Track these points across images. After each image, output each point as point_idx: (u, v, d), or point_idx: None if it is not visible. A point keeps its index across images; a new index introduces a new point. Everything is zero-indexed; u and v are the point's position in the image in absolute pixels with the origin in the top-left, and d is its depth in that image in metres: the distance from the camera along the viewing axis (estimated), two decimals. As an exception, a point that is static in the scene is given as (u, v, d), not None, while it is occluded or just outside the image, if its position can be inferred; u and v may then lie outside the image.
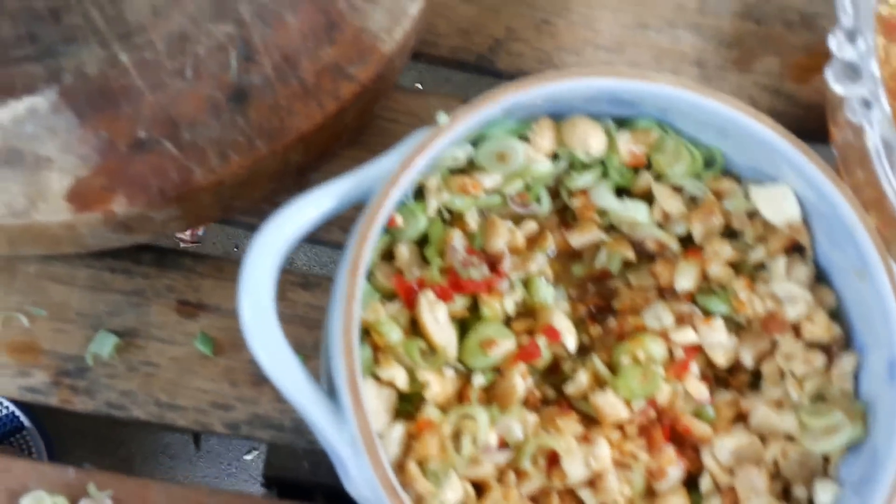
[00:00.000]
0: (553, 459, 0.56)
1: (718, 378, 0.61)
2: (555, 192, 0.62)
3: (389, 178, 0.53)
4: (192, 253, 0.70)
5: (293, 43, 0.62)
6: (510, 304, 0.58)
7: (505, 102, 0.56)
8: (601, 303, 0.63)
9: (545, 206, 0.61)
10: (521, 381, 0.56)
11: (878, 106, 0.59)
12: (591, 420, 0.58)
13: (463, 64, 0.77)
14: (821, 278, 0.61)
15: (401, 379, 0.54)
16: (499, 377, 0.57)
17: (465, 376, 0.57)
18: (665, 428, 0.58)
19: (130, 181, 0.59)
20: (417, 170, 0.54)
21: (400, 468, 0.53)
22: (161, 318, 0.68)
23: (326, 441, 0.52)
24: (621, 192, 0.62)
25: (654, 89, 0.58)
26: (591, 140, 0.60)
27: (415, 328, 0.56)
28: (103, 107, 0.60)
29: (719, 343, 0.59)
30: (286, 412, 0.67)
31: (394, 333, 0.54)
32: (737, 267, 0.61)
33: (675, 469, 0.57)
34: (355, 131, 0.68)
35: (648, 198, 0.62)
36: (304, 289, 0.69)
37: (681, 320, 0.60)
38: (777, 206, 0.60)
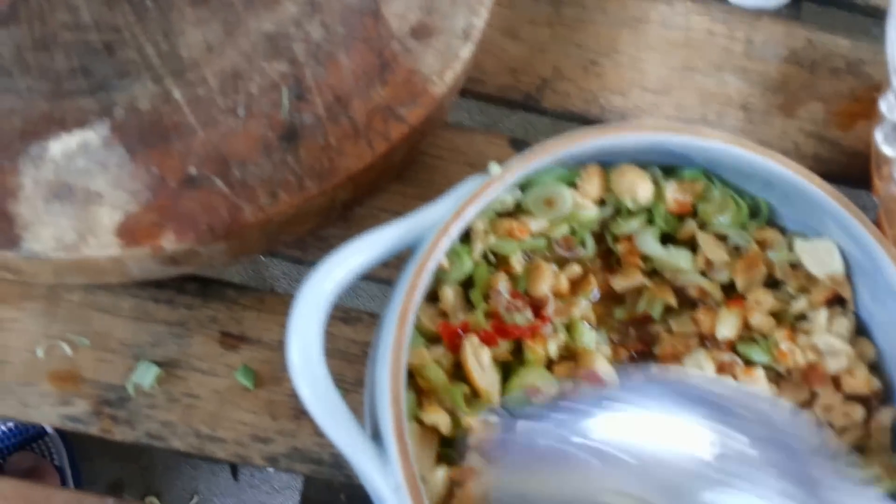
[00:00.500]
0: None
1: (759, 429, 0.61)
2: (598, 236, 0.62)
3: (441, 227, 0.53)
4: (236, 284, 0.70)
5: (345, 83, 0.62)
6: (553, 348, 0.58)
7: (557, 154, 0.56)
8: (642, 348, 0.62)
9: (590, 249, 0.61)
10: (563, 428, 0.56)
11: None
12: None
13: (510, 102, 0.77)
14: (861, 331, 0.61)
15: (444, 424, 0.54)
16: (541, 423, 0.57)
17: (507, 420, 0.57)
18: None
19: (180, 217, 0.58)
20: (468, 218, 0.54)
21: (442, 514, 0.53)
22: (203, 349, 0.68)
23: (369, 484, 0.52)
24: (665, 237, 0.62)
25: (705, 144, 0.58)
26: (638, 189, 0.60)
27: (458, 371, 0.56)
28: (155, 142, 0.60)
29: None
30: (325, 446, 0.66)
31: (438, 377, 0.54)
32: (778, 317, 0.61)
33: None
34: (401, 167, 0.68)
35: (692, 244, 0.62)
36: (346, 323, 0.69)
37: (721, 369, 0.59)
38: (821, 259, 0.60)
